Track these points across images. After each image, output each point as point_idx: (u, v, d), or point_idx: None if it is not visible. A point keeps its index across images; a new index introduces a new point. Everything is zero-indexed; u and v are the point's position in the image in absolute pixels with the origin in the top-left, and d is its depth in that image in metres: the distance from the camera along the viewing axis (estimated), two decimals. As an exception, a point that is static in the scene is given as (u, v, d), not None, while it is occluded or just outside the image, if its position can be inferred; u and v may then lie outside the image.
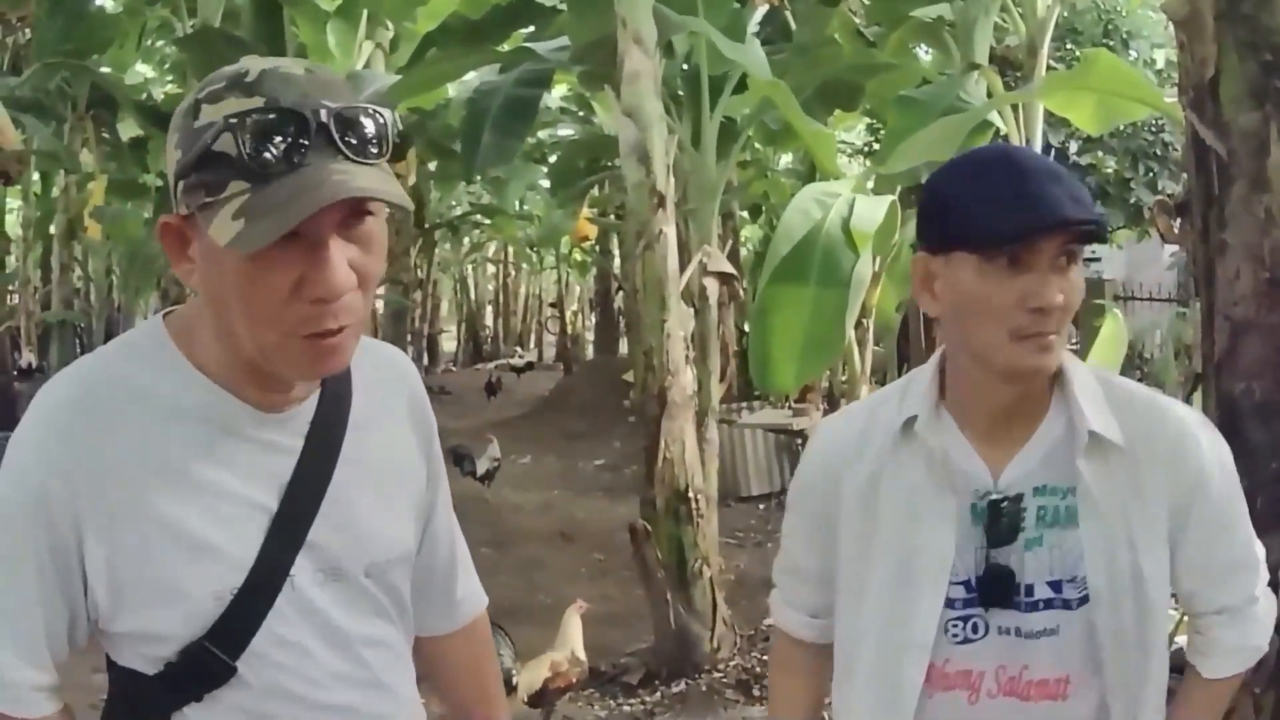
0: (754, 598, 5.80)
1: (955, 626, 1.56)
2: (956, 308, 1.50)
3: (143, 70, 11.03)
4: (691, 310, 5.98)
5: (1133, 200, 11.46)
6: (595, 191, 13.03)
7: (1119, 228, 12.89)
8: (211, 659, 1.31)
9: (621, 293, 18.59)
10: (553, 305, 27.83)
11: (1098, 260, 18.08)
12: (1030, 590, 1.54)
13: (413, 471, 1.51)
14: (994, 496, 1.53)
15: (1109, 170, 11.73)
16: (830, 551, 1.66)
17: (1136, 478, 1.54)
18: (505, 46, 6.95)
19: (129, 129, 8.39)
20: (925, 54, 7.26)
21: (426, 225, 16.75)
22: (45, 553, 1.27)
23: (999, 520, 1.53)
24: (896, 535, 1.57)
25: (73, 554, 1.28)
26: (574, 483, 10.74)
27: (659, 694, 4.99)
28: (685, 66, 6.34)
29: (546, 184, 14.43)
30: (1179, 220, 2.98)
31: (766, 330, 4.94)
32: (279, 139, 1.16)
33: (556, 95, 12.33)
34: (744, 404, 10.23)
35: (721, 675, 5.18)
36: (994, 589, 1.54)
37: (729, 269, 6.31)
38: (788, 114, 5.36)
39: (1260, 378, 2.62)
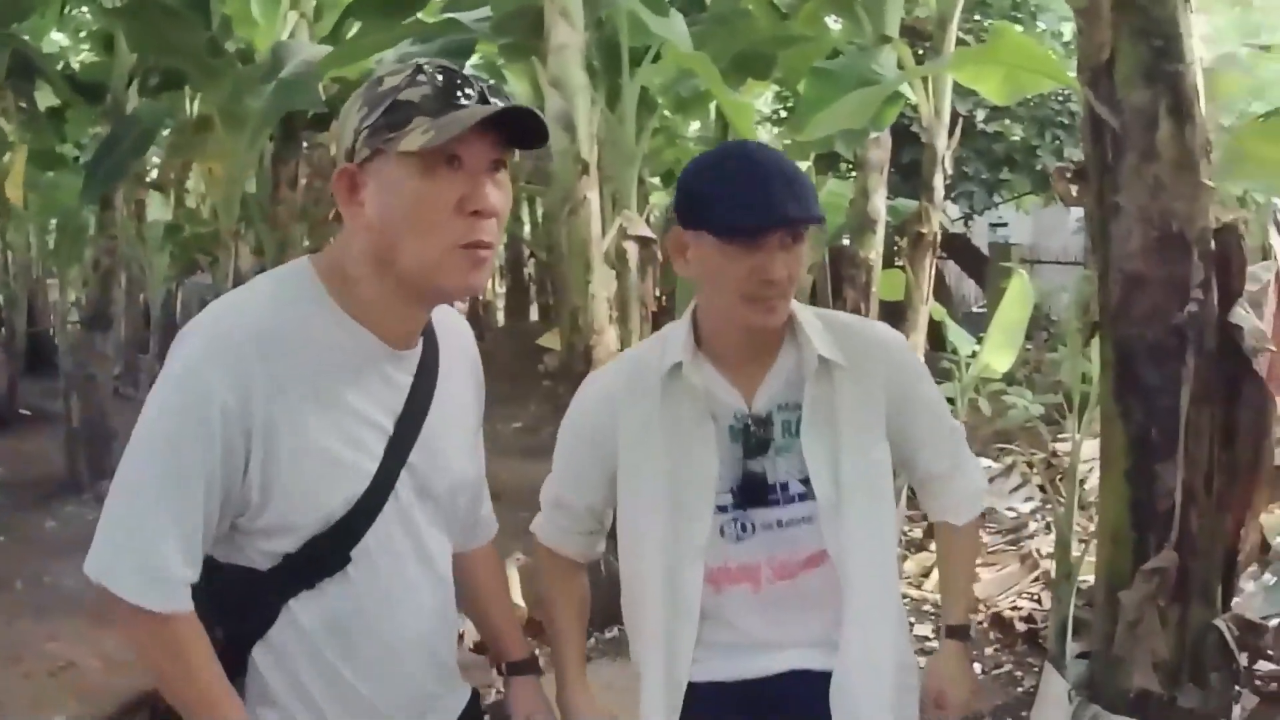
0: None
1: (729, 528, 1.92)
2: (702, 275, 1.85)
3: (58, 39, 10.84)
4: (613, 273, 6.12)
5: (1039, 166, 11.69)
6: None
7: (1026, 194, 13.19)
8: (331, 549, 1.55)
9: (533, 259, 18.63)
10: (460, 272, 27.68)
11: (1005, 225, 18.25)
12: (785, 488, 1.92)
13: (474, 413, 1.81)
14: (748, 418, 1.91)
15: (1016, 138, 11.96)
16: (597, 485, 2.02)
17: (860, 386, 1.92)
18: (428, 17, 6.95)
19: (46, 98, 8.28)
20: (835, 24, 7.34)
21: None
22: (217, 462, 1.46)
23: (751, 436, 1.91)
24: (670, 460, 1.92)
25: (239, 461, 1.48)
26: (494, 445, 10.42)
27: (593, 639, 5.04)
28: (598, 34, 6.36)
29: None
30: (1077, 186, 3.27)
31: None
32: (457, 86, 1.50)
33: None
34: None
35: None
36: (750, 492, 1.91)
37: (648, 233, 6.45)
38: (711, 86, 5.46)
39: (1151, 325, 2.90)
